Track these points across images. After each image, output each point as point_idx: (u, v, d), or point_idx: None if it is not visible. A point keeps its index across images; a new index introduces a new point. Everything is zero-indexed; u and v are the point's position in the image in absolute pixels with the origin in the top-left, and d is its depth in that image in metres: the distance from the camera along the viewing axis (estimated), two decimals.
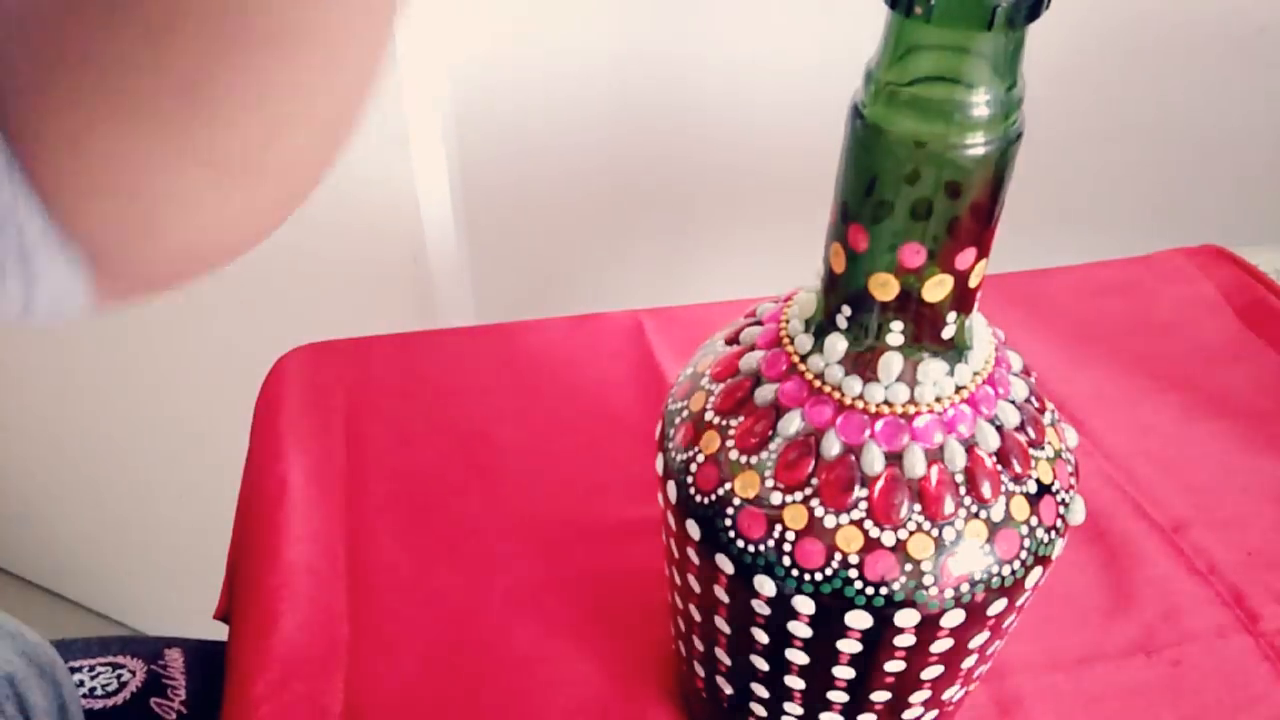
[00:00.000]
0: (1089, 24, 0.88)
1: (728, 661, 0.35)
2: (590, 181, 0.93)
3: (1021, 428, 0.31)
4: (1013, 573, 0.30)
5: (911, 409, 0.30)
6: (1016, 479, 0.30)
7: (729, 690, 0.36)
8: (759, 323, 0.34)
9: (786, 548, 0.30)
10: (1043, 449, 0.31)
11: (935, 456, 0.29)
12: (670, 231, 1.01)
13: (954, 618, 0.30)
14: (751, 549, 0.30)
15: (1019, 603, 0.32)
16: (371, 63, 0.29)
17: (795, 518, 0.30)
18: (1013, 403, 0.31)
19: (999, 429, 0.30)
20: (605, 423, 0.55)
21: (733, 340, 0.34)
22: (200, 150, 0.28)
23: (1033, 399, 0.33)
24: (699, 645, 0.36)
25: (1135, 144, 1.00)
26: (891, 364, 0.29)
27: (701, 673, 0.38)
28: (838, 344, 0.30)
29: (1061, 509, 0.31)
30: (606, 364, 0.58)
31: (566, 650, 0.44)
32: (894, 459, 0.29)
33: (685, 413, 0.33)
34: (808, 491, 0.30)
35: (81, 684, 0.52)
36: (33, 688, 0.46)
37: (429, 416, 0.55)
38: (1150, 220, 1.02)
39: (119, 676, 0.53)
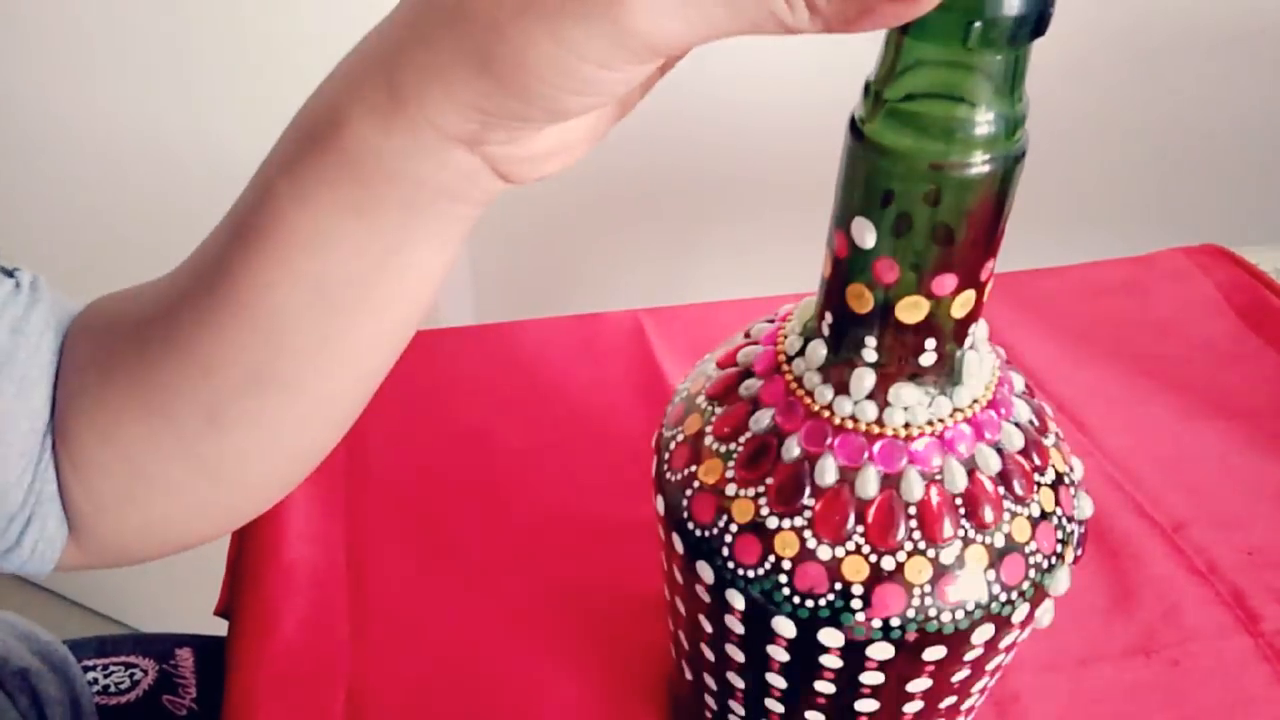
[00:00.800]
0: (1089, 24, 0.88)
1: (739, 685, 0.34)
2: (591, 181, 0.93)
3: (1024, 451, 0.30)
4: (1014, 599, 0.29)
5: (912, 430, 0.29)
6: (1019, 501, 0.29)
7: (741, 713, 0.36)
8: (755, 343, 0.33)
9: (782, 578, 0.29)
10: (1045, 474, 0.31)
11: (933, 479, 0.29)
12: (670, 231, 1.01)
13: (945, 646, 0.29)
14: (749, 574, 0.29)
15: (1022, 635, 0.31)
16: (353, 413, 0.37)
17: (787, 544, 0.29)
18: (1015, 424, 0.31)
19: (1000, 452, 0.30)
20: (605, 422, 0.55)
21: (727, 363, 0.33)
22: (202, 458, 0.35)
23: (1034, 420, 0.32)
24: (693, 669, 0.36)
25: (1135, 144, 1.00)
26: (864, 379, 0.29)
27: (689, 676, 0.37)
28: (864, 374, 0.29)
29: (1060, 535, 0.31)
30: (606, 364, 0.58)
31: (566, 648, 0.44)
32: (891, 482, 0.29)
33: (680, 437, 0.33)
34: (803, 520, 0.29)
35: (95, 682, 0.52)
36: (47, 683, 0.47)
37: (429, 416, 0.55)
38: (1150, 220, 1.02)
39: (131, 675, 0.53)
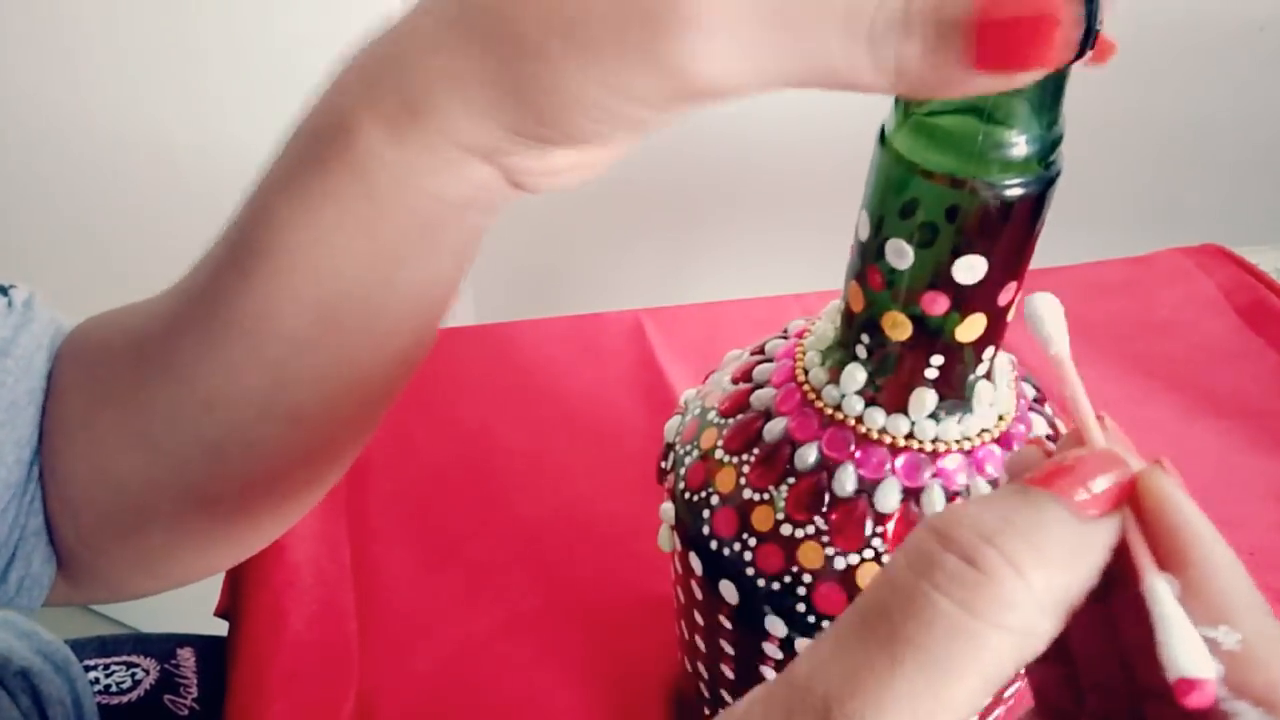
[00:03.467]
0: None
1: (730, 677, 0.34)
2: (591, 182, 0.93)
3: None
4: None
5: (940, 446, 0.28)
6: None
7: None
8: (770, 359, 0.33)
9: (801, 590, 0.29)
10: None
11: (957, 496, 0.28)
12: (671, 231, 1.01)
13: None
14: (763, 583, 0.29)
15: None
16: (360, 442, 0.35)
17: (810, 555, 0.29)
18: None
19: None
20: (605, 422, 0.55)
21: (743, 378, 0.33)
22: (201, 492, 0.33)
23: (1049, 435, 0.31)
24: (702, 671, 0.36)
25: (1135, 144, 1.00)
26: (925, 400, 0.28)
27: (690, 670, 0.37)
28: (857, 374, 0.29)
29: None
30: (606, 364, 0.58)
31: (570, 646, 0.44)
32: (912, 495, 0.28)
33: (695, 452, 0.32)
34: (821, 527, 0.29)
35: (96, 681, 0.52)
36: (48, 682, 0.47)
37: (429, 416, 0.55)
38: (1150, 220, 1.02)
39: (133, 675, 0.53)
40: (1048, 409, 0.32)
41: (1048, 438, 0.31)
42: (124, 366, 0.32)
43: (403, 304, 0.29)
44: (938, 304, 0.26)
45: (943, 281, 0.26)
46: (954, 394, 0.28)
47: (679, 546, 0.32)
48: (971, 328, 0.27)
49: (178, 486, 0.33)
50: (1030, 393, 0.32)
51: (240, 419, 0.31)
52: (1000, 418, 0.29)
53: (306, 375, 0.30)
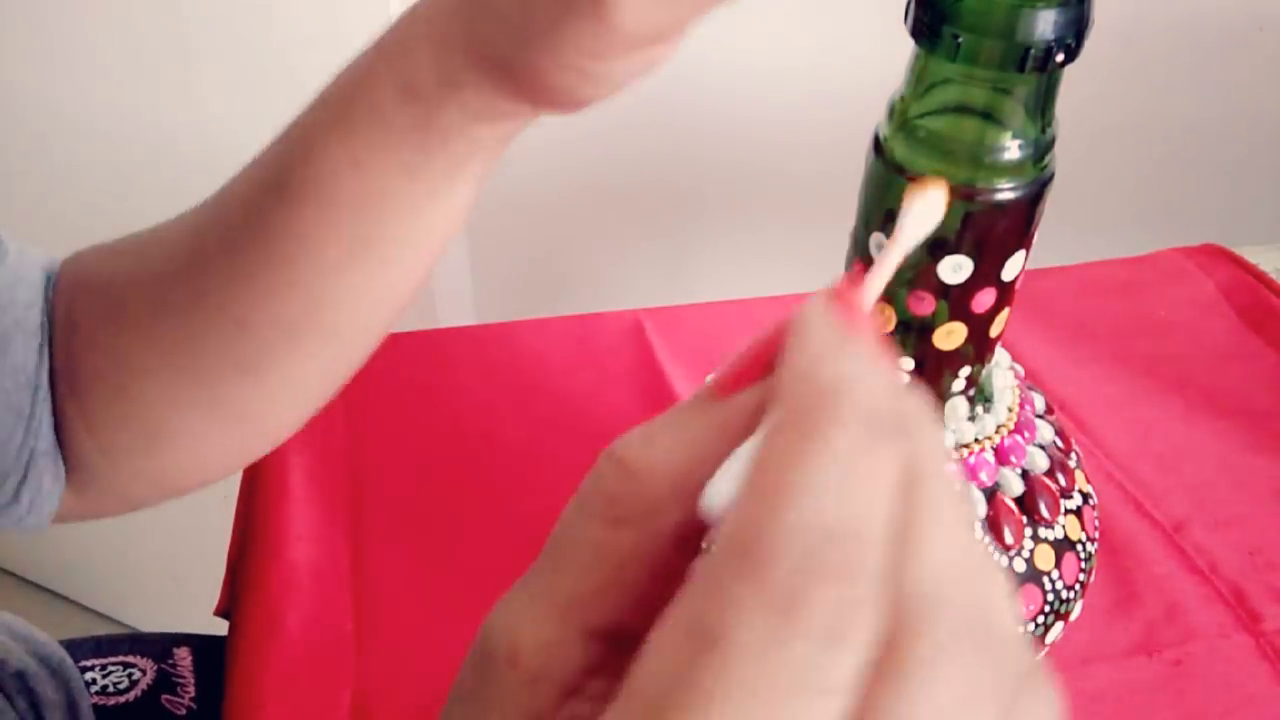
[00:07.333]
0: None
1: None
2: (591, 181, 0.93)
3: (1050, 473, 0.30)
4: (1034, 628, 0.29)
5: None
6: (1046, 524, 0.29)
7: None
8: None
9: None
10: (1071, 497, 0.30)
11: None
12: (671, 231, 1.01)
13: None
14: None
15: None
16: (371, 350, 0.36)
17: None
18: (1041, 448, 0.30)
19: (1025, 476, 0.29)
20: (605, 422, 0.55)
21: None
22: (229, 406, 0.35)
23: (1058, 442, 0.31)
24: None
25: (1134, 144, 1.00)
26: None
27: None
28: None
29: (1083, 565, 0.30)
30: (606, 364, 0.58)
31: None
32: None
33: None
34: None
35: (93, 682, 0.52)
36: (44, 684, 0.47)
37: (429, 416, 0.55)
38: (1150, 220, 1.02)
39: (130, 675, 0.53)
40: (1054, 419, 0.32)
41: (1055, 446, 0.31)
42: (145, 298, 0.34)
43: (429, 229, 0.32)
44: (923, 303, 0.26)
45: (927, 280, 0.26)
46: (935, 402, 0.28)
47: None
48: (952, 335, 0.27)
49: (206, 403, 0.35)
50: (1039, 403, 0.32)
51: (273, 339, 0.33)
52: (1000, 426, 0.29)
53: (339, 296, 0.32)
